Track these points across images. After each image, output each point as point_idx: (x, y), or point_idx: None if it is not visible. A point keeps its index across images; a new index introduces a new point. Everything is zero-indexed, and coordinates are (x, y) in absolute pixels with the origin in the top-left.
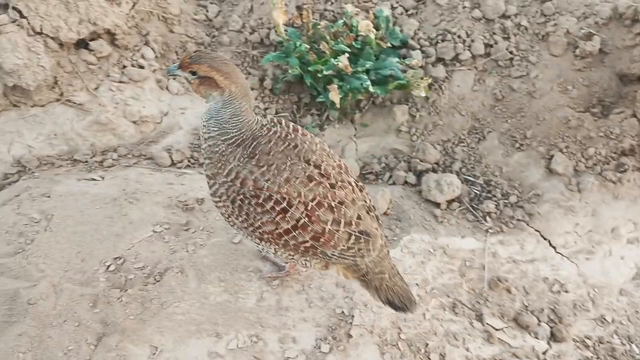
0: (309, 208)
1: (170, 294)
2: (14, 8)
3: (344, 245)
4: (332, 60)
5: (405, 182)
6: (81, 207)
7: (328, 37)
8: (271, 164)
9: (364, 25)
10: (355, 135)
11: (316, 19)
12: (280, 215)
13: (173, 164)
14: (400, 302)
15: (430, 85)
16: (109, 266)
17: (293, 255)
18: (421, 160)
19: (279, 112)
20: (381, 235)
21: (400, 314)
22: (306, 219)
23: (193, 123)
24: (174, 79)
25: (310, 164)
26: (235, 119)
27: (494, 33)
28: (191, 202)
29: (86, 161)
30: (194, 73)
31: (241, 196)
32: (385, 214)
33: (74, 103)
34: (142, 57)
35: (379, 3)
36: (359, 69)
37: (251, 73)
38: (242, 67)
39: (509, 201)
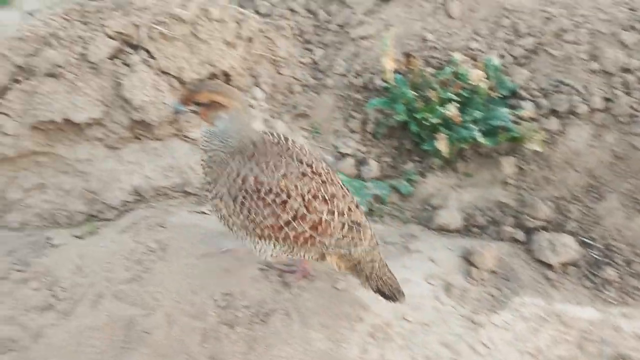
0: (306, 199)
1: (275, 336)
2: (145, 49)
3: (339, 234)
4: (439, 108)
5: (513, 239)
6: (193, 239)
7: (436, 85)
8: (268, 162)
9: (476, 75)
10: (457, 185)
11: (421, 66)
12: (281, 207)
13: None
14: (389, 292)
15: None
16: (217, 301)
17: (292, 249)
18: (531, 217)
19: (380, 156)
20: (370, 226)
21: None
22: (304, 209)
23: None
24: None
25: (302, 163)
26: (241, 132)
27: (614, 87)
28: None
29: (197, 194)
30: (197, 104)
31: (243, 192)
32: (492, 271)
33: (190, 139)
34: (253, 97)
35: (487, 51)
36: (468, 118)
37: (354, 116)
38: (344, 109)
39: (633, 270)
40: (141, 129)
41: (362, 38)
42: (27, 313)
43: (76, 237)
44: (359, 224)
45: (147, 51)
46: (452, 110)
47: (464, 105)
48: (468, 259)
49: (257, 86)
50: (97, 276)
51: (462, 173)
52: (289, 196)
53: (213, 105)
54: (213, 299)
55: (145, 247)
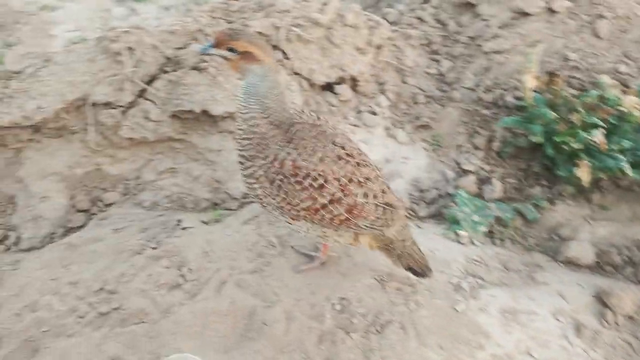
0: (342, 183)
1: (390, 349)
2: (281, 50)
3: (373, 216)
4: (582, 133)
5: None
6: (308, 240)
7: (580, 108)
8: (306, 146)
9: (629, 101)
10: (591, 217)
11: (563, 87)
12: (318, 191)
13: None
14: (419, 269)
15: None
16: (334, 304)
17: (325, 232)
18: None
19: (505, 177)
20: (402, 207)
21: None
22: (340, 193)
23: (413, 174)
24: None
25: (336, 145)
26: (273, 91)
27: None
28: None
29: None
30: (231, 50)
31: (280, 176)
32: (629, 317)
33: None
34: (377, 104)
35: (638, 76)
36: (614, 147)
37: (479, 132)
38: (470, 125)
39: None
40: None
41: (496, 52)
42: (157, 289)
43: (203, 222)
44: (391, 205)
45: (284, 52)
46: (598, 137)
47: (610, 132)
48: (602, 300)
49: (382, 93)
50: (222, 263)
51: (597, 205)
52: (326, 180)
53: (247, 56)
54: (330, 302)
55: (267, 241)
